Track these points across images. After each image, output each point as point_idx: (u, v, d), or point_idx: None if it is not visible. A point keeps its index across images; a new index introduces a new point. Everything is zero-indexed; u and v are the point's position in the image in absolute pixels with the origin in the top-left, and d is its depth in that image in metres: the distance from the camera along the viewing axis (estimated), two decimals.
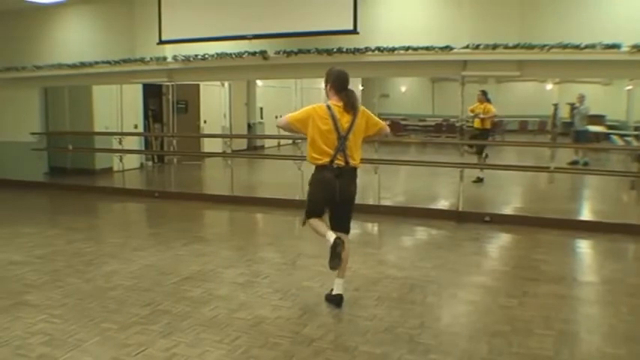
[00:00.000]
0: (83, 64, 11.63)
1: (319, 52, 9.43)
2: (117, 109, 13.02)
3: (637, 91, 12.14)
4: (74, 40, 12.05)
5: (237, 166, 11.98)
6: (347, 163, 5.15)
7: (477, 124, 12.21)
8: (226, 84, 16.46)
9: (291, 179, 10.10)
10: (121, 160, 12.59)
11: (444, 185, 11.40)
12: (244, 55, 10.05)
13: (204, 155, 15.34)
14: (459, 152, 10.07)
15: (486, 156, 11.94)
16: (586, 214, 10.22)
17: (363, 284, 5.95)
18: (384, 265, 6.71)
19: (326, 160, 5.12)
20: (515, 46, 8.38)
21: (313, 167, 5.28)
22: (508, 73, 9.31)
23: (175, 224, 9.40)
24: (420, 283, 6.01)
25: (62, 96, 13.39)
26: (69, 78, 12.05)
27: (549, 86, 21.97)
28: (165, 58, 10.82)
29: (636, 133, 13.27)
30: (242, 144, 17.33)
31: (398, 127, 20.78)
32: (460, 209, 9.27)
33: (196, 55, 10.46)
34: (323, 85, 5.36)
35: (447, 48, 8.76)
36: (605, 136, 15.32)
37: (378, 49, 9.17)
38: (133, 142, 14.04)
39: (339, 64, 9.16)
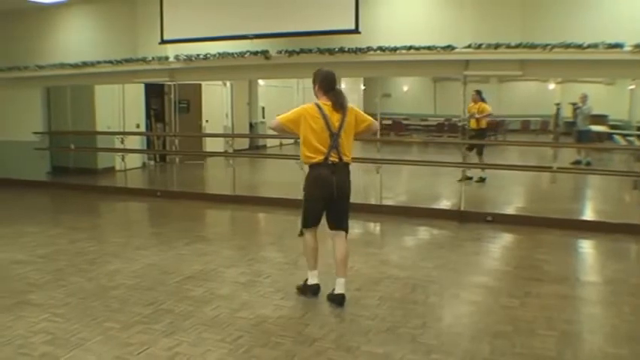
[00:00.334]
0: (85, 64, 11.64)
1: (321, 51, 9.43)
2: (119, 108, 13.03)
3: None
4: (76, 39, 12.06)
5: (239, 166, 11.98)
6: (340, 159, 5.27)
7: (472, 124, 12.12)
8: (228, 83, 16.46)
9: (293, 179, 10.09)
10: (123, 159, 12.62)
11: (446, 185, 11.39)
12: (246, 55, 10.06)
13: (206, 155, 15.33)
14: (460, 152, 10.06)
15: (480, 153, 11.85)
16: (588, 214, 10.20)
17: (365, 284, 5.95)
18: (386, 265, 6.70)
19: (320, 158, 5.23)
20: (517, 46, 8.37)
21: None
22: (510, 73, 9.32)
23: (177, 224, 9.40)
24: (422, 283, 6.01)
25: (64, 95, 13.40)
26: (71, 77, 12.07)
27: (552, 86, 21.97)
28: (167, 58, 10.83)
29: (639, 132, 13.25)
30: (244, 143, 17.35)
31: (400, 126, 20.79)
32: (462, 209, 9.27)
33: (198, 55, 10.46)
34: (312, 84, 5.49)
35: (449, 47, 8.75)
36: (608, 136, 15.31)
37: (380, 48, 9.16)
38: (135, 142, 14.04)
39: (340, 63, 9.27)
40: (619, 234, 8.09)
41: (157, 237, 8.34)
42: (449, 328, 4.90)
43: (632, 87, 11.10)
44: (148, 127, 15.59)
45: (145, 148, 15.04)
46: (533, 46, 8.27)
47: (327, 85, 5.37)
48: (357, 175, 12.37)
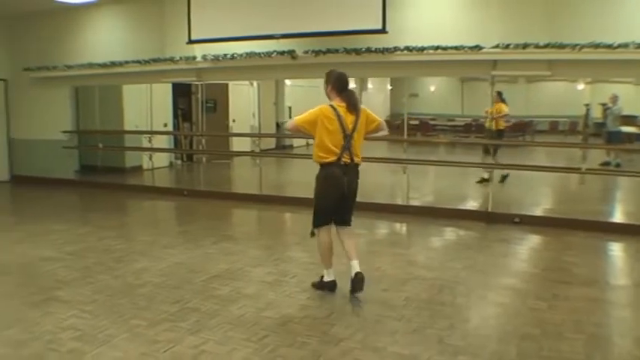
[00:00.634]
0: (113, 64, 11.76)
1: (347, 51, 9.42)
2: (147, 108, 13.13)
3: None
4: (104, 39, 12.17)
5: (265, 165, 12.01)
6: (352, 160, 5.44)
7: (490, 125, 11.95)
8: (255, 83, 16.50)
9: None
10: (150, 158, 12.69)
11: (473, 185, 11.32)
12: (273, 55, 10.08)
13: (232, 154, 15.38)
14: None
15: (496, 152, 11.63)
16: (618, 217, 10.06)
17: (391, 284, 5.94)
18: (413, 266, 6.67)
19: (333, 158, 5.37)
20: (545, 46, 8.27)
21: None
22: (539, 73, 9.22)
23: (204, 222, 9.45)
24: (449, 284, 5.97)
25: (93, 95, 13.56)
26: (99, 77, 12.18)
27: (581, 86, 21.67)
28: (194, 58, 10.89)
29: None
30: (270, 143, 17.35)
31: (427, 127, 20.69)
32: (489, 210, 9.19)
33: (225, 55, 10.51)
34: (324, 85, 5.61)
35: (477, 47, 8.69)
36: (638, 137, 15.09)
37: (407, 48, 9.11)
38: (163, 141, 14.13)
39: (367, 63, 9.26)
40: None
41: (183, 236, 8.39)
42: (476, 330, 4.85)
43: None
44: (176, 126, 15.68)
45: (172, 147, 15.13)
46: (561, 46, 8.16)
47: (340, 85, 5.50)
48: (384, 175, 12.39)
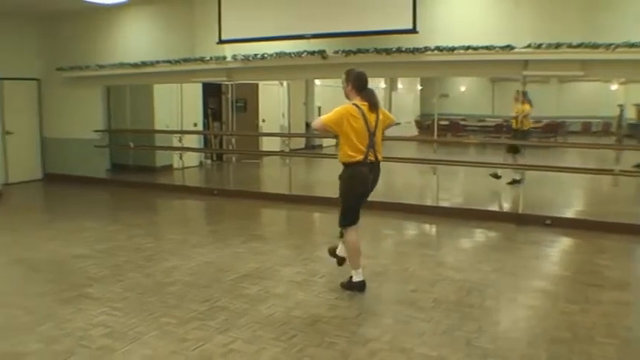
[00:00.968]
0: (144, 64, 11.86)
1: (378, 51, 9.38)
2: (177, 107, 13.23)
3: None
4: (135, 39, 12.30)
5: (295, 165, 12.04)
6: (376, 157, 5.54)
7: (515, 124, 11.76)
8: (285, 83, 16.52)
9: None
10: (180, 157, 12.78)
11: (504, 187, 11.21)
12: (303, 55, 10.08)
13: (262, 154, 15.45)
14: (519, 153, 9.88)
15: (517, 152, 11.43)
16: None
17: (420, 285, 5.91)
18: (442, 267, 6.64)
19: (360, 157, 5.45)
20: (578, 45, 8.14)
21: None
22: (571, 73, 9.08)
23: (234, 222, 9.50)
24: (479, 286, 5.92)
25: (124, 94, 13.72)
26: (130, 77, 12.32)
27: (614, 86, 21.38)
28: (224, 58, 10.94)
29: None
30: (300, 143, 17.37)
31: (457, 127, 20.55)
32: (520, 212, 9.09)
33: (255, 55, 10.53)
34: (343, 84, 5.67)
35: (508, 47, 8.59)
36: None
37: (438, 48, 9.05)
38: (193, 141, 14.20)
39: (398, 63, 9.23)
40: None
41: (213, 235, 8.44)
42: (505, 333, 4.81)
43: None
44: (206, 126, 15.76)
45: (202, 147, 15.21)
46: (595, 46, 8.03)
47: (359, 84, 5.58)
48: (414, 176, 12.33)
